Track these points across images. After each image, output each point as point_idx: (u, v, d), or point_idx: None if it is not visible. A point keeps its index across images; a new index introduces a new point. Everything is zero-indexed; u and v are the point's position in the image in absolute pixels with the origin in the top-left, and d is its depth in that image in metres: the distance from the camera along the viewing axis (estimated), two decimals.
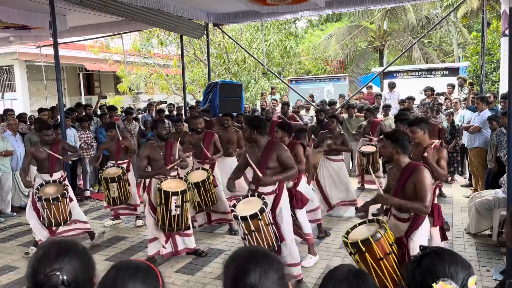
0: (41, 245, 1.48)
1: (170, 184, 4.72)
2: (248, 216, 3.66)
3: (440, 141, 7.05)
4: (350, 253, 3.05)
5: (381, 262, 2.93)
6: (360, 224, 3.28)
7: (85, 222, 5.61)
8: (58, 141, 5.58)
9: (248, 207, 3.82)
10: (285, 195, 4.13)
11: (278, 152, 3.99)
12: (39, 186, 5.20)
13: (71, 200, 5.41)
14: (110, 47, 15.85)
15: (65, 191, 5.20)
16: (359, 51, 21.46)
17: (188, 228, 4.96)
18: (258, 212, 3.69)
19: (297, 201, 4.61)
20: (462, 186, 8.02)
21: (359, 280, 1.42)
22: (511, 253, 4.12)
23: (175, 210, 4.59)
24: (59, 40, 6.68)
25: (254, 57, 13.00)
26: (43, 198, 5.01)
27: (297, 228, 4.61)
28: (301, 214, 4.70)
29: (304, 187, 5.05)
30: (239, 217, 3.70)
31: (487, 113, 6.98)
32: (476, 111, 7.33)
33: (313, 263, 4.70)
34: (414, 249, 3.12)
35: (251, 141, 4.15)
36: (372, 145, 7.28)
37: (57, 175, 5.42)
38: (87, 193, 8.13)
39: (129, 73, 16.27)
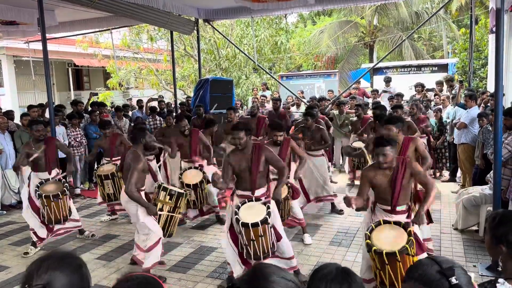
0: (40, 256, 1.48)
1: None
2: (259, 222, 3.73)
3: (427, 137, 7.24)
4: (383, 263, 3.18)
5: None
6: (374, 226, 3.37)
7: (77, 220, 5.64)
8: (52, 139, 5.53)
9: (252, 212, 3.87)
10: None
11: (266, 154, 4.12)
12: (39, 184, 5.20)
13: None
14: (100, 42, 15.69)
15: (65, 189, 5.26)
16: (349, 47, 21.51)
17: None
18: (267, 217, 3.77)
19: (293, 193, 4.99)
20: (449, 181, 8.13)
21: (348, 278, 1.44)
22: None
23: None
24: (47, 35, 6.61)
25: (244, 53, 12.93)
26: (43, 196, 5.04)
27: (293, 215, 5.14)
28: (295, 203, 5.20)
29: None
30: (249, 224, 3.73)
31: (475, 110, 7.07)
32: (466, 108, 7.42)
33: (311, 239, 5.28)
34: (418, 233, 3.47)
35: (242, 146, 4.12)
36: (363, 140, 7.32)
37: (53, 173, 5.42)
38: (78, 191, 8.08)
39: (118, 68, 16.13)
